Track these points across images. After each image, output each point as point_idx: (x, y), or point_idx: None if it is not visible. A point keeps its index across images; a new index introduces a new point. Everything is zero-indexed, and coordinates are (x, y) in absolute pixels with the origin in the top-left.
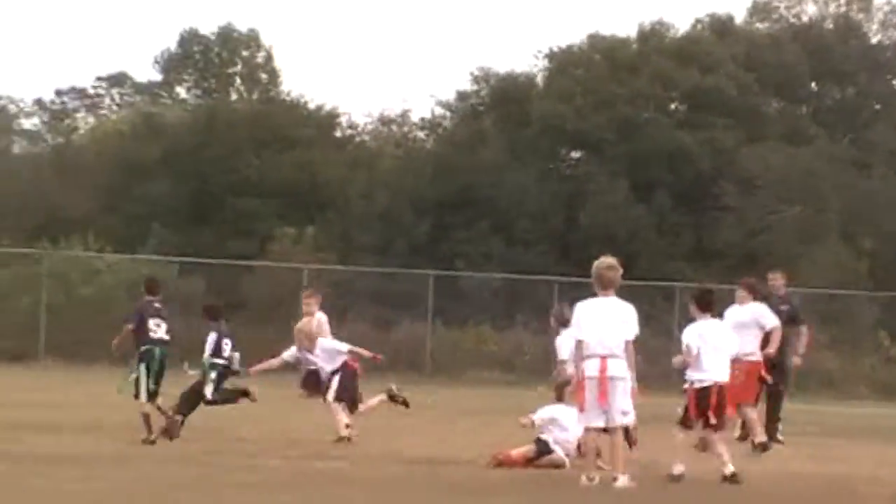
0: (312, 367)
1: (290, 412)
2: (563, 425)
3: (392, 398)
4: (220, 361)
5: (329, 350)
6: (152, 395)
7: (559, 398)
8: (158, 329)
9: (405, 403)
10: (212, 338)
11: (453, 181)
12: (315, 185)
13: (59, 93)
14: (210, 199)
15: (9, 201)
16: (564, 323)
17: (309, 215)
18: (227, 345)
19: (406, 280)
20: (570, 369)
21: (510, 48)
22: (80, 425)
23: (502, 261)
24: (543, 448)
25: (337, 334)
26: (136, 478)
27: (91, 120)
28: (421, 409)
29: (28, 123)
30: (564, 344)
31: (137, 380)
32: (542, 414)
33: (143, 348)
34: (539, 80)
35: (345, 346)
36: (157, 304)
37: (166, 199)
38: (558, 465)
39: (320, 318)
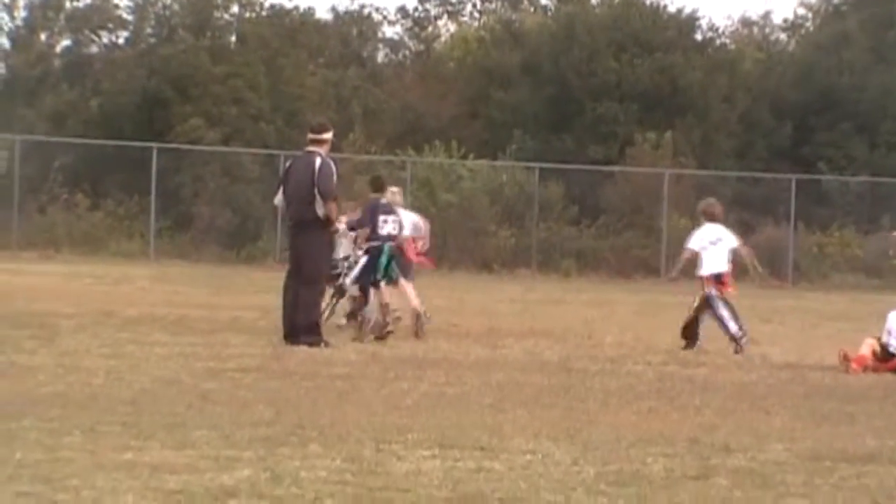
0: None
1: (650, 318)
2: None
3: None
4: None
5: None
6: (376, 285)
7: None
8: (386, 225)
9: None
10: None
11: (815, 83)
12: (675, 89)
13: (421, 0)
14: (570, 104)
15: (374, 108)
16: None
17: (668, 119)
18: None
19: (767, 184)
20: None
21: None
22: (442, 330)
23: (866, 164)
24: (885, 355)
25: None
26: (498, 383)
27: (452, 27)
28: (783, 314)
29: (391, 31)
30: None
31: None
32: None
33: (370, 244)
34: None
35: None
36: (383, 201)
37: (526, 106)
38: None
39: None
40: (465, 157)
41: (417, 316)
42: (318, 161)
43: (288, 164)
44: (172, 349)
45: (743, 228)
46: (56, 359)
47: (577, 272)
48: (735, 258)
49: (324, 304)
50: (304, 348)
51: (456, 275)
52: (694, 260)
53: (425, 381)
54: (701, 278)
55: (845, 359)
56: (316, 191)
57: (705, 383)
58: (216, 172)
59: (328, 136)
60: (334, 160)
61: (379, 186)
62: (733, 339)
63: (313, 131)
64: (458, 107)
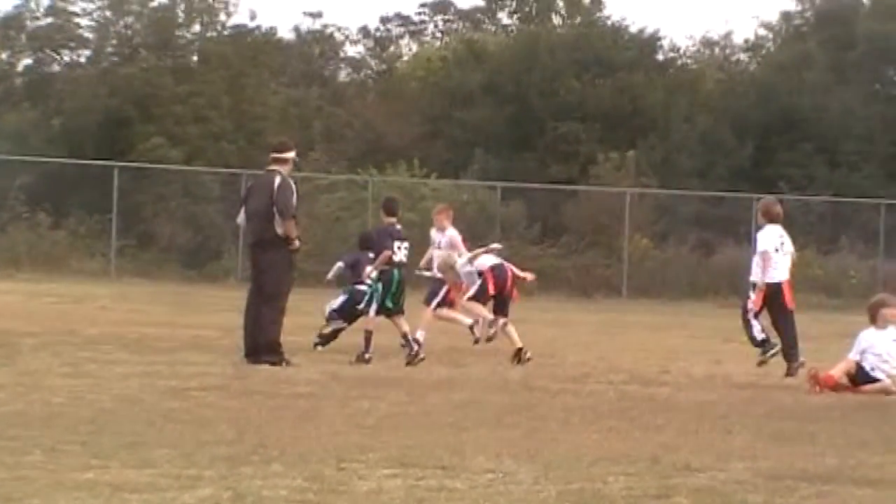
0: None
1: (612, 337)
2: (877, 351)
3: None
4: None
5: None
6: (385, 313)
7: (872, 320)
8: (399, 252)
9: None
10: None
11: (776, 104)
12: (636, 109)
13: (383, 20)
14: (532, 123)
15: (335, 128)
16: None
17: (630, 139)
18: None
19: (728, 204)
20: None
21: None
22: (404, 350)
23: (826, 184)
24: (863, 377)
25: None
26: (460, 402)
27: (414, 47)
28: (743, 333)
29: (353, 51)
30: None
31: (371, 296)
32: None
33: (382, 269)
34: None
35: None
36: (398, 227)
37: (488, 125)
38: (888, 392)
39: (452, 234)
40: (427, 176)
41: (416, 341)
42: (277, 180)
43: (250, 183)
44: (134, 368)
45: (705, 248)
46: (16, 378)
47: (539, 291)
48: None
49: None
50: (265, 367)
51: (418, 295)
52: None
53: (387, 400)
54: (767, 285)
55: (814, 378)
56: (275, 209)
57: (667, 403)
58: (178, 191)
59: (290, 155)
60: (294, 179)
61: (392, 211)
62: (752, 340)
63: (275, 150)
64: (421, 126)
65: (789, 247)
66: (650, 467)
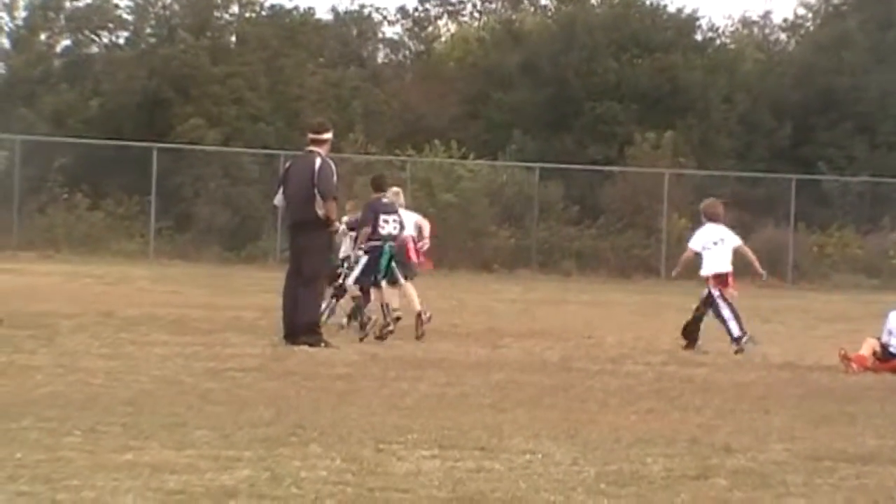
0: None
1: (650, 318)
2: None
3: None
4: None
5: None
6: (377, 285)
7: None
8: (387, 225)
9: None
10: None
11: (815, 84)
12: (674, 90)
13: (421, 0)
14: (569, 104)
15: (374, 108)
16: None
17: (668, 120)
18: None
19: (767, 184)
20: None
21: None
22: (442, 331)
23: (866, 164)
24: (887, 355)
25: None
26: (498, 383)
27: (452, 27)
28: (782, 314)
29: (391, 31)
30: None
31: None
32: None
33: (370, 244)
34: None
35: None
36: (385, 201)
37: (526, 106)
38: None
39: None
40: (464, 157)
41: (418, 316)
42: (317, 161)
43: (288, 164)
44: (172, 349)
45: (743, 229)
46: (56, 359)
47: (578, 272)
48: (736, 258)
49: (323, 305)
50: (304, 348)
51: (456, 275)
52: (696, 259)
53: (425, 381)
54: (704, 278)
55: (845, 358)
56: (315, 191)
57: (705, 383)
58: (216, 173)
59: (328, 136)
60: (334, 160)
61: (380, 186)
62: (734, 340)
63: (313, 131)
64: (458, 107)
65: (731, 241)
66: (689, 448)
